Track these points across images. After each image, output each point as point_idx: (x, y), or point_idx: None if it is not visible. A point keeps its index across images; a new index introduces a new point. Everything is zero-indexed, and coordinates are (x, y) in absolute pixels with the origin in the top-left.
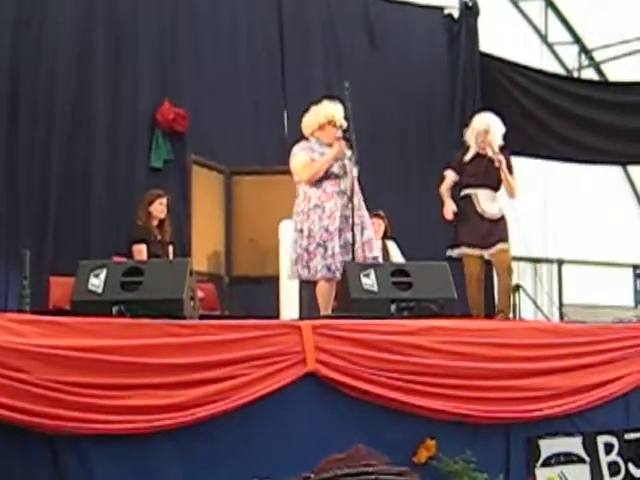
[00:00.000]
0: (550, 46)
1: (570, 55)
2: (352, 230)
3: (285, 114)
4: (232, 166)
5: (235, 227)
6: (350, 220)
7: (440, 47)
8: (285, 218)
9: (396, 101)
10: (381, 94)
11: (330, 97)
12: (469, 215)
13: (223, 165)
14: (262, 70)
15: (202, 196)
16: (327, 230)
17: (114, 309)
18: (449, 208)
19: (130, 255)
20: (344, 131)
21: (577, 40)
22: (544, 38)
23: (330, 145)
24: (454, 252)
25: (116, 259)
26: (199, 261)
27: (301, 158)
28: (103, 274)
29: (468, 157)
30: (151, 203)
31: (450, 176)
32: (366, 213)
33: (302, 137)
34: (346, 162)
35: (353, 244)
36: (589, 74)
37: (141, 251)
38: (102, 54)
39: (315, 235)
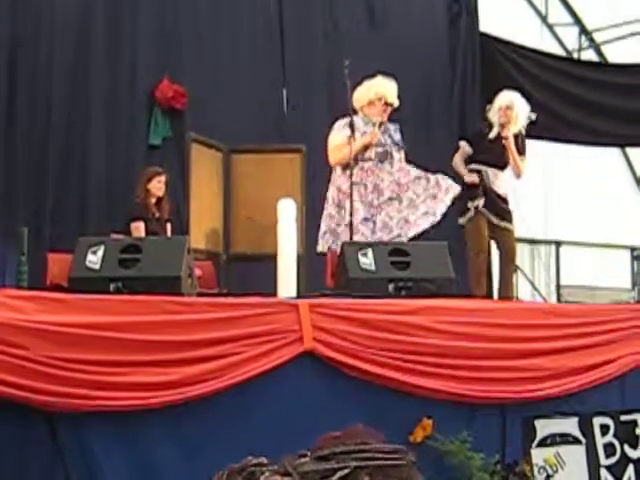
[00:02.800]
0: (550, 27)
1: (570, 36)
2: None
3: (284, 93)
4: (231, 144)
5: (233, 205)
6: (394, 199)
7: (440, 27)
8: (283, 196)
9: (395, 81)
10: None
11: (384, 73)
12: (478, 187)
13: (222, 143)
14: (262, 48)
15: (201, 174)
16: (372, 205)
17: (112, 286)
18: (471, 176)
19: (128, 232)
20: (395, 110)
21: (577, 21)
22: (544, 19)
23: (375, 124)
24: (464, 218)
25: (114, 236)
26: (197, 239)
27: (336, 138)
28: (101, 251)
29: (492, 135)
30: (149, 181)
31: (465, 147)
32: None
33: (353, 110)
34: (388, 147)
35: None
36: (589, 55)
37: (139, 228)
38: (101, 30)
39: (360, 210)
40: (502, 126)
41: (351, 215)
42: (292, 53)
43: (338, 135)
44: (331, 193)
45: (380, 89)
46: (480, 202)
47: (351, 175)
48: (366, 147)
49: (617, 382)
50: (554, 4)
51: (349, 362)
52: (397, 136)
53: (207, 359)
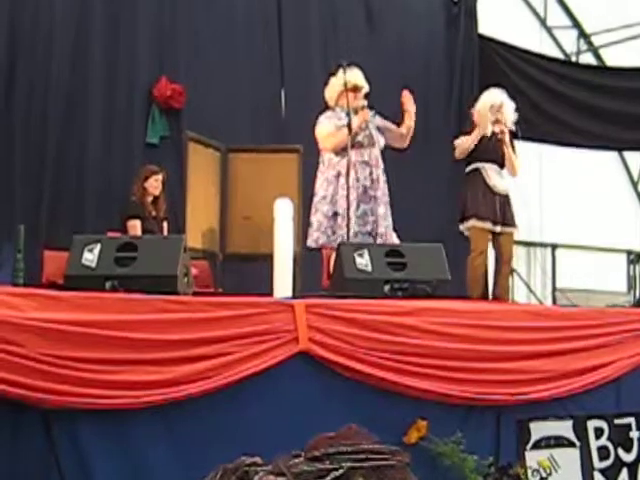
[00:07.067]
0: (549, 30)
1: (569, 39)
2: (346, 202)
3: (282, 93)
4: (228, 143)
5: (230, 204)
6: (369, 192)
7: (439, 29)
8: (280, 196)
9: (393, 82)
10: (378, 75)
11: (347, 65)
12: (479, 188)
13: (219, 142)
14: (260, 48)
15: (198, 173)
16: (347, 198)
17: (107, 284)
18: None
19: (124, 231)
20: (366, 95)
21: (576, 24)
22: (543, 22)
23: (356, 111)
24: (464, 225)
25: (110, 234)
26: (193, 238)
27: (326, 127)
28: (97, 249)
29: (488, 133)
30: (146, 179)
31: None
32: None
33: (327, 108)
34: (373, 132)
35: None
36: (587, 59)
37: (135, 227)
38: (99, 29)
39: (337, 202)
40: (494, 123)
41: (348, 206)
42: (290, 53)
43: (326, 124)
44: (317, 186)
45: (346, 77)
46: (472, 221)
47: (348, 165)
48: (360, 128)
49: (612, 385)
50: (553, 7)
51: (344, 363)
52: (376, 120)
53: (202, 358)
